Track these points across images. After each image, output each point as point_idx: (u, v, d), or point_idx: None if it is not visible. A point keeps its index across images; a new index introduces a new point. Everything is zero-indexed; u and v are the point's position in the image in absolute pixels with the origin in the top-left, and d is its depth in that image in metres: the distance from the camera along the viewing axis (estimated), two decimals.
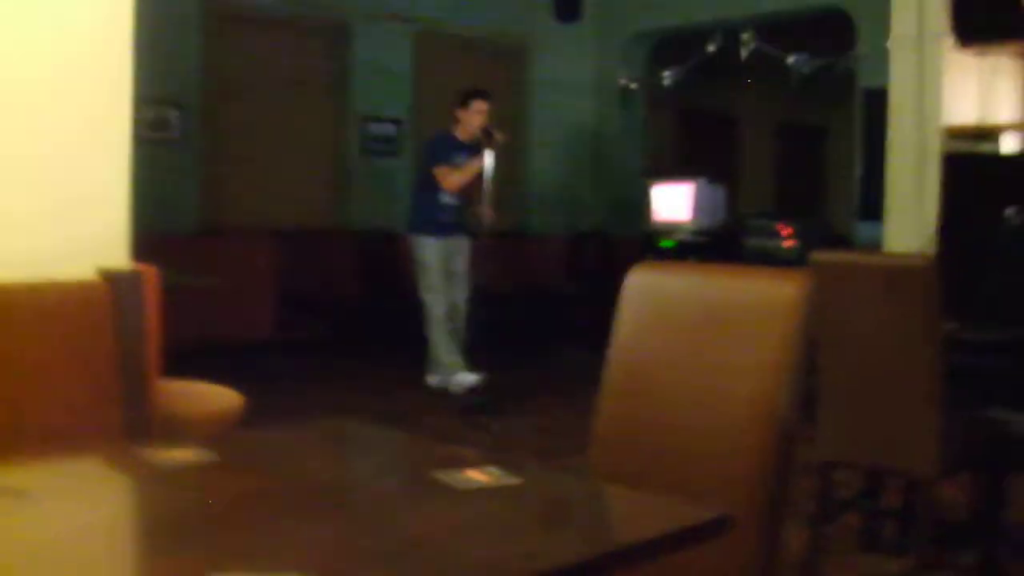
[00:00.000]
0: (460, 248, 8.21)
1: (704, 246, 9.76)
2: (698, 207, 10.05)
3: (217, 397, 4.20)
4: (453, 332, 8.15)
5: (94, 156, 3.37)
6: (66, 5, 3.27)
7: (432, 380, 8.20)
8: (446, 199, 8.09)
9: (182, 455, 2.16)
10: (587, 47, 12.05)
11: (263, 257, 10.00)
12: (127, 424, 2.90)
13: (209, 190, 9.92)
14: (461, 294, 8.23)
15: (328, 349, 9.77)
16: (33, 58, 3.20)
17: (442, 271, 8.11)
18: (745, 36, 9.48)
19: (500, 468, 2.10)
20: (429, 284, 8.11)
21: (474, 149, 8.02)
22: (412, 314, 8.37)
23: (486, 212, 7.96)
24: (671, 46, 11.44)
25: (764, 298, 2.36)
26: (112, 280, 2.97)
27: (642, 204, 10.68)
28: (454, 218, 8.15)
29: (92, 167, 3.36)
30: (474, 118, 8.09)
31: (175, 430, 3.52)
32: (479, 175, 7.96)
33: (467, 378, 8.05)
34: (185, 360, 4.21)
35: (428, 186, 8.14)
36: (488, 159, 7.68)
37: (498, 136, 7.89)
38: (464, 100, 8.21)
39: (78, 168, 3.32)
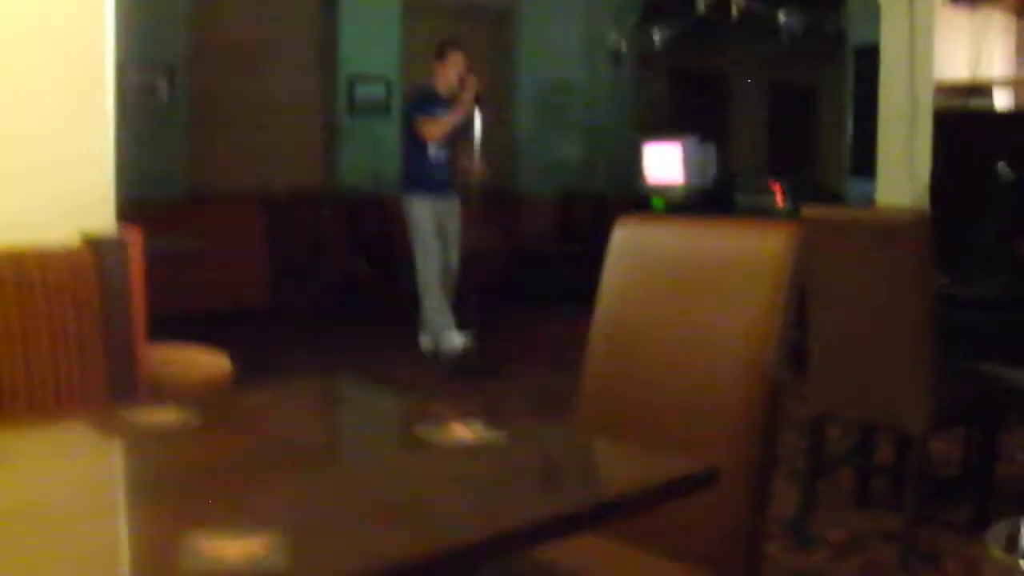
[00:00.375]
0: (451, 208, 8.19)
1: (696, 204, 9.73)
2: (689, 165, 10.01)
3: (204, 361, 4.18)
4: (444, 293, 8.13)
5: (77, 120, 3.34)
6: None
7: (424, 342, 8.19)
8: (433, 152, 8.07)
9: (163, 416, 2.14)
10: (576, 8, 11.98)
11: (253, 222, 9.96)
12: (112, 389, 2.89)
13: (198, 155, 9.86)
14: (456, 256, 8.21)
15: (319, 314, 9.75)
16: (14, 21, 3.17)
17: (434, 231, 8.08)
18: None
19: (484, 424, 2.08)
20: (422, 244, 8.08)
21: (454, 102, 8.01)
22: (403, 277, 8.35)
23: (474, 165, 7.96)
24: (661, 6, 11.36)
25: (752, 250, 2.34)
26: (95, 245, 2.94)
27: (634, 164, 10.65)
28: (445, 175, 8.13)
29: (75, 130, 3.33)
30: (450, 70, 8.09)
31: (162, 395, 3.50)
32: (466, 130, 7.98)
33: (457, 338, 8.02)
34: (175, 327, 4.19)
35: (415, 144, 8.12)
36: (476, 116, 7.64)
37: (471, 83, 7.90)
38: (439, 53, 8.24)
39: (61, 132, 3.29)
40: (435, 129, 7.96)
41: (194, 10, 9.74)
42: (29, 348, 2.79)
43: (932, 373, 3.90)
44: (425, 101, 8.15)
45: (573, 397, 2.60)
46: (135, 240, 3.36)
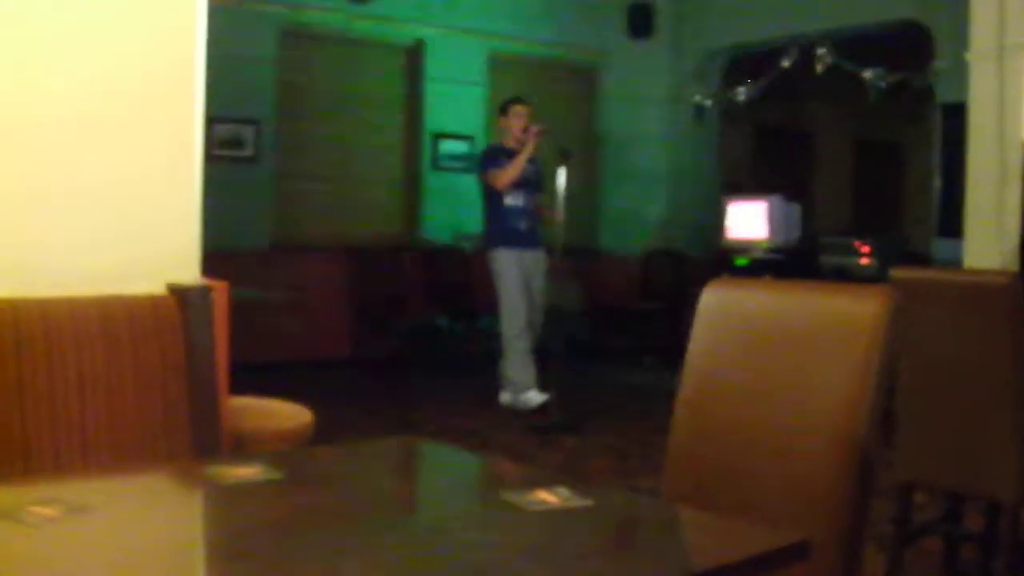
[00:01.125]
0: (537, 262, 8.21)
1: (780, 264, 9.65)
2: (773, 224, 9.94)
3: (287, 414, 4.18)
4: (527, 350, 8.10)
5: (165, 173, 3.38)
6: (138, 24, 3.28)
7: (504, 398, 8.18)
8: (510, 203, 8.14)
9: (247, 472, 2.13)
10: (660, 63, 11.98)
11: (336, 274, 10.06)
12: (196, 441, 2.88)
13: (283, 206, 10.00)
14: (538, 312, 8.21)
15: (401, 366, 9.78)
16: (107, 81, 3.22)
17: (519, 284, 8.08)
18: (820, 51, 9.37)
19: (570, 489, 2.05)
20: (508, 299, 8.08)
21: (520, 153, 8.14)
22: (484, 331, 8.35)
23: (551, 212, 8.01)
24: (745, 61, 11.35)
25: (844, 315, 2.29)
26: (180, 294, 2.95)
27: (717, 222, 10.60)
28: (526, 226, 8.17)
29: (163, 184, 3.37)
30: (513, 122, 8.26)
31: (244, 447, 3.51)
32: (540, 180, 8.25)
33: (536, 398, 8.00)
34: (255, 377, 4.21)
35: (491, 198, 8.21)
36: (560, 175, 7.66)
37: (533, 130, 8.08)
38: (503, 109, 8.44)
39: (149, 185, 3.33)
40: (504, 175, 8.05)
41: (280, 64, 9.89)
42: (114, 396, 2.80)
43: (1023, 439, 3.81)
44: (494, 155, 8.28)
45: (653, 455, 2.56)
46: (220, 290, 3.38)
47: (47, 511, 1.84)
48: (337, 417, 4.70)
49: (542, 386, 8.05)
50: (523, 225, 8.15)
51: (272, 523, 1.91)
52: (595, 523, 1.98)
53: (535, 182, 8.26)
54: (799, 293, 2.49)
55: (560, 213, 7.90)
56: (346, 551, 1.75)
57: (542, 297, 8.23)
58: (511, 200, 8.12)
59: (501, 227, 8.16)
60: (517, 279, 8.07)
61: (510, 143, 8.23)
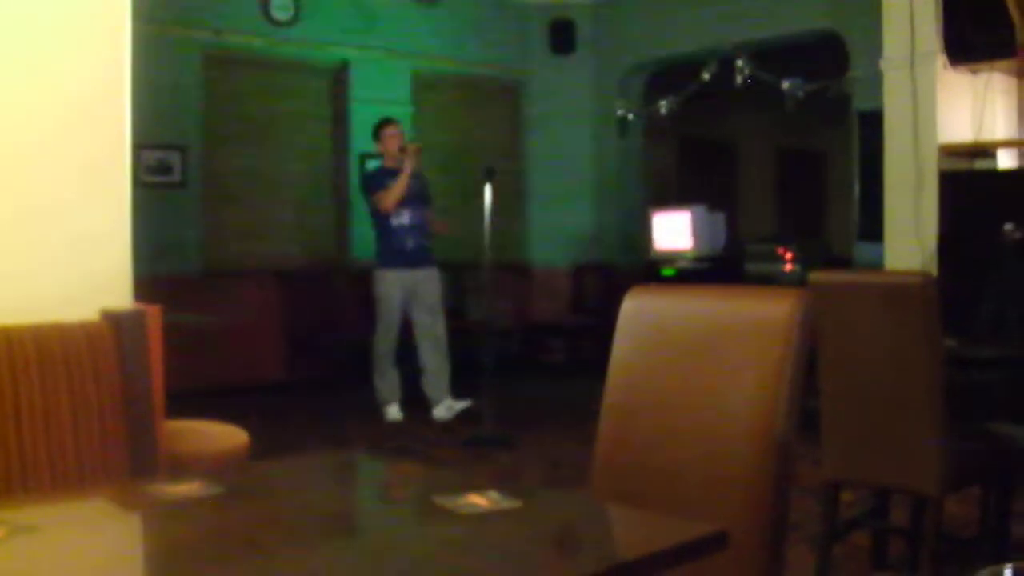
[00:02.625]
0: (426, 278, 8.41)
1: (706, 272, 9.79)
2: (698, 234, 10.08)
3: (223, 436, 4.22)
4: (392, 366, 8.42)
5: (94, 201, 3.40)
6: (65, 53, 3.31)
7: (437, 413, 8.38)
8: (396, 223, 8.31)
9: (188, 488, 2.18)
10: (584, 79, 12.10)
11: (267, 297, 10.06)
12: (133, 463, 2.92)
13: (212, 231, 9.98)
14: (437, 323, 8.42)
15: (334, 386, 9.78)
16: (33, 106, 3.24)
17: (396, 306, 8.33)
18: (739, 63, 9.52)
19: (499, 492, 2.12)
20: (382, 317, 8.37)
21: (401, 171, 8.30)
22: (416, 349, 8.44)
23: (435, 224, 8.42)
24: (667, 75, 11.49)
25: (759, 317, 2.38)
26: (114, 320, 2.99)
27: (643, 233, 10.72)
28: (416, 244, 8.36)
29: (93, 211, 3.39)
30: (389, 143, 8.46)
31: (181, 469, 3.54)
32: (424, 195, 8.50)
33: (395, 413, 8.41)
34: (191, 402, 4.24)
35: (378, 218, 8.39)
36: (486, 192, 7.75)
37: (411, 148, 8.31)
38: (376, 133, 8.64)
39: (79, 213, 3.35)
40: (388, 196, 8.23)
41: (205, 89, 9.88)
42: (51, 422, 2.83)
43: (944, 434, 3.92)
44: (379, 177, 8.46)
45: (586, 465, 2.63)
46: (154, 315, 3.42)
47: None
48: (272, 438, 4.74)
49: (462, 395, 8.44)
50: (410, 243, 8.33)
51: (214, 537, 1.96)
52: (525, 522, 2.05)
53: (421, 197, 8.45)
54: (714, 298, 2.58)
55: (445, 223, 8.30)
56: (286, 560, 1.80)
57: (439, 309, 8.46)
58: (396, 220, 8.30)
59: (388, 247, 8.35)
60: (393, 302, 8.31)
61: (390, 164, 8.41)
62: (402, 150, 8.29)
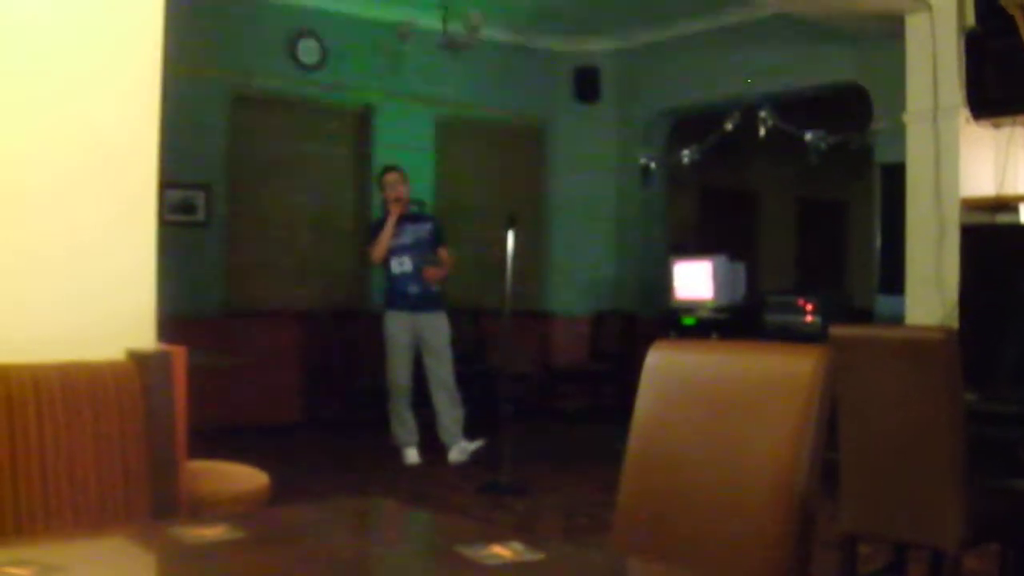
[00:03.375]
0: (433, 322, 8.43)
1: (725, 323, 9.78)
2: (719, 284, 10.08)
3: (243, 477, 4.23)
4: (406, 409, 8.43)
5: (122, 240, 3.43)
6: (97, 93, 3.35)
7: (453, 456, 8.40)
8: (396, 269, 8.39)
9: (211, 532, 2.19)
10: (607, 126, 12.14)
11: (289, 338, 10.10)
12: (155, 504, 2.93)
13: (234, 271, 10.03)
14: (443, 368, 8.44)
15: (353, 429, 9.79)
16: (65, 146, 3.28)
17: (401, 348, 8.35)
18: (763, 114, 9.56)
19: (523, 544, 2.12)
20: (388, 360, 8.42)
21: (406, 219, 8.44)
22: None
23: (435, 271, 8.39)
24: (690, 124, 11.53)
25: (783, 373, 2.38)
26: (140, 360, 3.01)
27: (664, 282, 10.73)
28: (416, 290, 8.38)
29: (120, 251, 3.42)
30: (388, 192, 8.54)
31: (202, 511, 3.55)
32: (420, 243, 8.45)
33: (413, 456, 8.42)
34: (212, 442, 4.25)
35: (384, 265, 8.49)
36: (508, 239, 7.78)
37: (400, 196, 8.42)
38: (379, 179, 8.75)
39: (106, 252, 3.38)
40: (372, 252, 8.42)
41: (231, 129, 9.96)
42: (75, 460, 2.84)
43: (964, 490, 3.91)
44: (373, 228, 8.60)
45: (603, 514, 2.64)
46: (178, 355, 3.44)
47: (21, 572, 1.89)
48: (291, 480, 4.75)
49: (473, 436, 8.48)
50: (413, 289, 8.37)
51: None
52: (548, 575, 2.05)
53: (425, 244, 8.46)
54: (739, 353, 2.58)
55: (437, 271, 8.33)
56: None
57: (445, 354, 8.47)
58: (398, 267, 8.39)
59: (392, 291, 8.45)
60: (398, 343, 8.36)
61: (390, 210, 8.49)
62: (397, 200, 8.39)
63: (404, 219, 8.38)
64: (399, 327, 8.33)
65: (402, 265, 8.34)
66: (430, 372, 8.43)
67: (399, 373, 8.37)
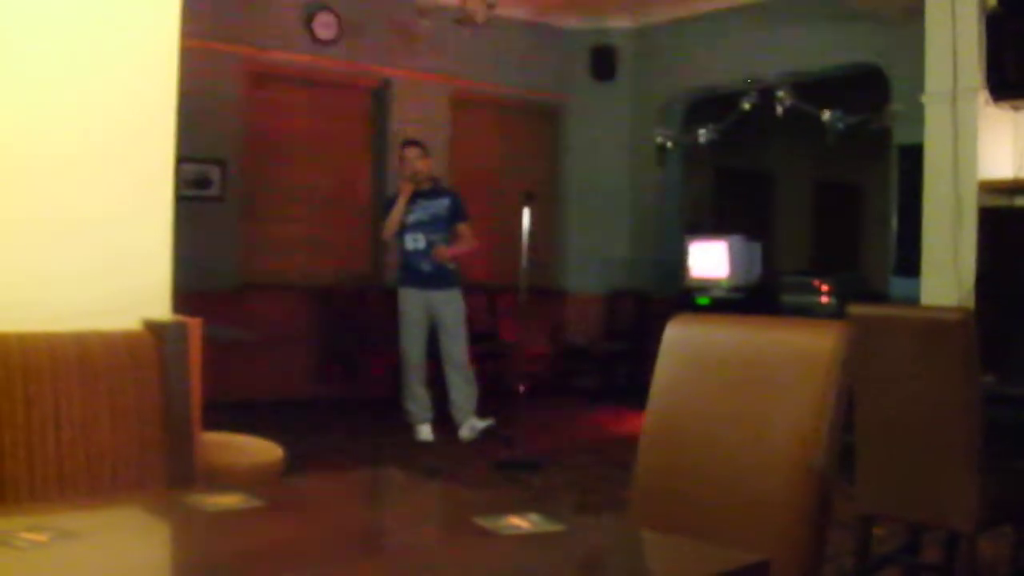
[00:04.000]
0: (446, 299, 8.37)
1: (740, 303, 9.76)
2: (734, 263, 10.06)
3: (258, 449, 4.23)
4: (419, 385, 8.40)
5: (139, 214, 3.44)
6: (115, 69, 3.35)
7: (463, 433, 8.37)
8: (410, 245, 8.34)
9: (229, 500, 2.19)
10: (623, 105, 12.12)
11: (303, 313, 10.11)
12: (170, 475, 2.93)
13: (249, 246, 10.04)
14: (455, 346, 8.39)
15: (364, 404, 9.80)
16: (84, 120, 3.28)
17: (413, 324, 8.32)
18: (780, 93, 9.51)
19: (541, 515, 2.12)
20: (401, 336, 8.40)
21: (422, 195, 8.36)
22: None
23: (443, 251, 8.29)
24: (706, 104, 11.49)
25: (803, 348, 2.37)
26: (157, 331, 3.01)
27: (679, 261, 10.71)
28: (431, 267, 8.32)
29: (137, 224, 3.43)
30: (404, 167, 8.45)
31: (216, 482, 3.55)
32: (437, 219, 8.36)
33: (426, 433, 8.37)
34: (225, 415, 4.25)
35: (397, 240, 8.45)
36: (524, 217, 7.76)
37: (416, 168, 8.34)
38: (399, 152, 8.65)
39: (124, 225, 3.39)
40: (385, 228, 8.38)
41: (246, 104, 9.95)
42: (90, 429, 2.84)
43: (980, 471, 3.89)
44: (387, 204, 8.55)
45: (617, 491, 2.63)
46: (194, 327, 3.44)
47: (37, 537, 1.89)
48: (305, 454, 4.75)
49: (484, 414, 8.41)
50: (425, 267, 8.31)
51: (256, 549, 1.96)
52: (567, 547, 2.05)
53: (440, 221, 8.38)
54: (759, 328, 2.57)
55: (446, 251, 8.23)
56: None
57: (457, 331, 8.41)
58: (411, 243, 8.33)
59: (405, 269, 8.40)
60: (410, 317, 8.33)
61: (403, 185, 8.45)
62: (415, 174, 8.33)
63: (419, 195, 8.33)
64: (412, 304, 8.31)
65: (416, 242, 8.30)
66: (443, 350, 8.41)
67: (412, 350, 8.34)
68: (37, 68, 3.19)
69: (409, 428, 8.37)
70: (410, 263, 8.34)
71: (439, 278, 8.33)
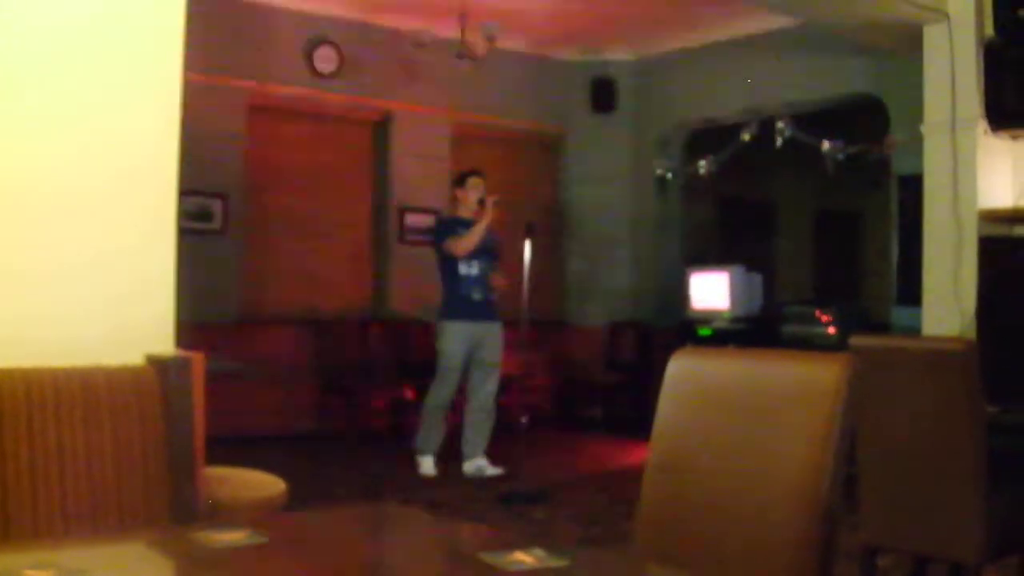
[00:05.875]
0: (489, 333, 8.26)
1: (742, 333, 9.76)
2: (735, 294, 10.07)
3: (261, 484, 4.23)
4: (440, 420, 8.28)
5: (143, 248, 3.44)
6: (118, 103, 3.36)
7: (467, 468, 8.28)
8: (464, 272, 8.23)
9: (233, 536, 2.19)
10: (623, 137, 12.16)
11: (303, 346, 10.10)
12: (173, 509, 2.93)
13: (250, 279, 10.05)
14: (490, 384, 8.28)
15: (368, 439, 9.79)
16: (87, 155, 3.29)
17: (460, 358, 8.19)
18: (780, 124, 9.54)
19: (545, 550, 2.11)
20: (441, 372, 8.25)
21: (476, 223, 8.24)
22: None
23: (495, 279, 8.21)
24: (706, 135, 11.52)
25: (806, 381, 2.37)
26: (160, 365, 3.01)
27: (680, 293, 10.71)
28: (481, 297, 8.24)
29: (141, 258, 3.43)
30: (470, 194, 8.36)
31: (220, 517, 3.54)
32: (492, 251, 8.30)
33: (428, 467, 8.24)
34: (227, 449, 4.24)
35: (447, 268, 8.31)
36: (526, 248, 7.76)
37: (490, 200, 8.19)
38: (460, 181, 8.56)
39: (127, 259, 3.39)
40: (463, 243, 8.16)
41: (248, 138, 9.98)
42: (93, 464, 2.84)
43: (984, 501, 3.89)
44: (451, 225, 8.39)
45: (619, 524, 2.63)
46: (197, 361, 3.43)
47: (43, 574, 1.89)
48: (307, 489, 4.74)
49: (495, 458, 8.19)
50: (477, 295, 8.22)
51: None
52: None
53: (492, 251, 8.34)
54: (762, 361, 2.57)
55: (504, 278, 8.16)
56: None
57: (496, 369, 8.30)
58: (465, 269, 8.22)
59: (454, 297, 8.27)
60: (456, 360, 8.19)
61: (465, 214, 8.35)
62: (481, 203, 8.20)
63: (467, 224, 8.25)
64: (457, 341, 8.18)
65: (470, 267, 8.21)
66: (474, 386, 8.29)
67: (446, 392, 8.24)
68: (40, 103, 3.20)
69: (409, 461, 8.32)
70: (460, 291, 8.22)
71: (487, 309, 8.25)
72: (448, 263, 8.27)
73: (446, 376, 8.22)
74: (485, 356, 8.24)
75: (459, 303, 8.22)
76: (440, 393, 8.24)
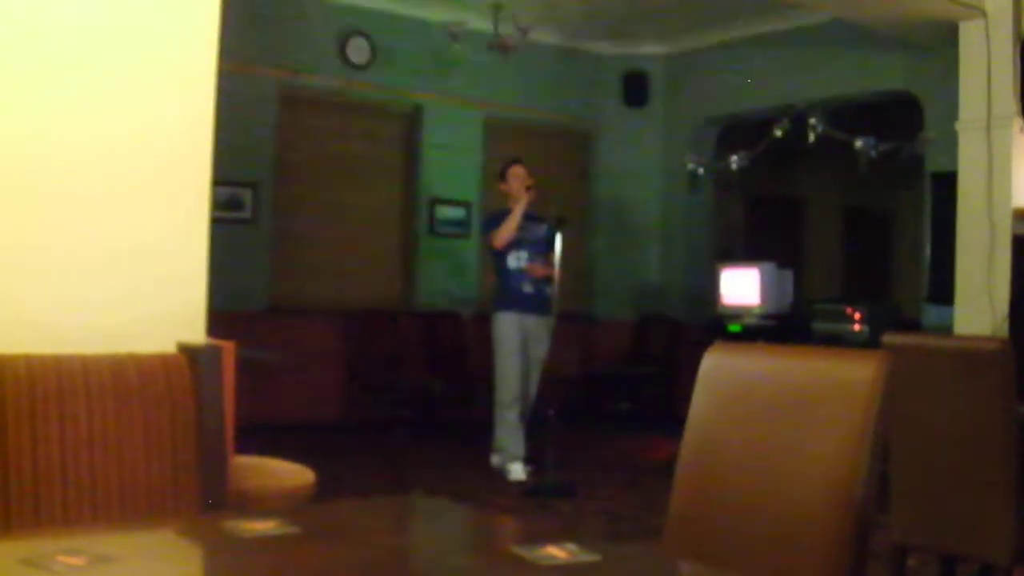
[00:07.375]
0: (539, 327, 8.11)
1: (772, 330, 9.72)
2: (766, 291, 10.02)
3: (289, 473, 4.23)
4: (517, 419, 8.04)
5: (176, 237, 3.45)
6: (154, 92, 3.36)
7: (494, 460, 8.19)
8: (513, 264, 8.14)
9: (264, 525, 2.18)
10: (655, 131, 12.13)
11: (333, 336, 10.12)
12: (203, 498, 2.93)
13: (280, 269, 10.06)
14: (533, 379, 8.15)
15: (396, 430, 9.79)
16: (120, 146, 3.29)
17: (517, 349, 8.03)
18: (812, 120, 9.48)
19: (577, 544, 2.10)
20: (501, 363, 8.06)
21: (527, 216, 8.14)
22: (477, 394, 8.39)
23: (538, 268, 8.10)
24: (738, 130, 11.48)
25: (841, 379, 2.35)
26: (191, 353, 3.02)
27: (709, 288, 10.68)
28: (532, 289, 8.12)
29: (174, 247, 3.44)
30: (513, 184, 8.24)
31: (248, 505, 3.55)
32: (538, 242, 8.21)
33: (519, 471, 7.96)
34: (255, 438, 4.25)
35: (498, 259, 8.24)
36: (557, 241, 7.72)
37: (532, 186, 8.14)
38: (502, 173, 8.41)
39: (161, 249, 3.40)
40: (498, 234, 8.09)
41: (279, 128, 10.00)
42: (124, 451, 2.84)
43: (1016, 503, 3.86)
44: (498, 217, 8.29)
45: (648, 521, 2.61)
46: (228, 350, 3.44)
47: (74, 560, 1.89)
48: (335, 478, 4.74)
49: (530, 456, 8.02)
50: (527, 288, 8.11)
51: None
52: None
53: (543, 243, 8.20)
54: (797, 357, 2.55)
55: (546, 268, 8.06)
56: None
57: (541, 365, 8.15)
58: (514, 262, 8.14)
59: (505, 289, 8.17)
60: (514, 343, 8.02)
61: (512, 204, 8.21)
62: (528, 189, 8.11)
63: (525, 216, 8.13)
64: (510, 328, 8.03)
65: (519, 260, 8.13)
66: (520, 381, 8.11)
67: (511, 379, 8.01)
68: (75, 93, 3.21)
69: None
70: (511, 284, 8.13)
71: (538, 302, 8.12)
72: (498, 256, 8.21)
73: (505, 365, 8.03)
74: (531, 351, 8.13)
75: (510, 295, 8.13)
76: (505, 385, 8.03)
